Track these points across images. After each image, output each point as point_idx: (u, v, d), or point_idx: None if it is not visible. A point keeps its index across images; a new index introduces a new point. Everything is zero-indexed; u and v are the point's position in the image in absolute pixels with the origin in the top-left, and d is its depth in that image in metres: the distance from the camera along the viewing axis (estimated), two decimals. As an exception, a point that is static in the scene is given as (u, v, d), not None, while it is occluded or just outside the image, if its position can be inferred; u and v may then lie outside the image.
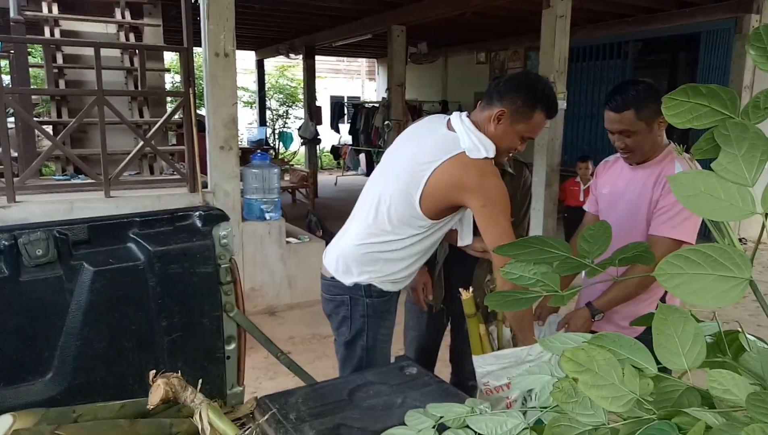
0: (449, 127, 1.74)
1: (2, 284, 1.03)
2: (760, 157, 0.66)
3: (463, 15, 7.00)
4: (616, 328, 1.86)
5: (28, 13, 6.02)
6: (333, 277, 1.84)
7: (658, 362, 0.71)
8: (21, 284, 1.04)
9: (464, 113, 1.77)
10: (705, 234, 0.82)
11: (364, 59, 17.35)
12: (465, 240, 1.94)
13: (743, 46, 5.84)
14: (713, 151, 0.70)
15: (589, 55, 8.41)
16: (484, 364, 1.85)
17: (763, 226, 0.64)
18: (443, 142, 1.69)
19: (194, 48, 4.81)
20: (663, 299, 1.85)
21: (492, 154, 1.68)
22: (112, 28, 6.46)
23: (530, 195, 2.30)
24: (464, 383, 2.39)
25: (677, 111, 0.72)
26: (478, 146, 1.65)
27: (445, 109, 11.03)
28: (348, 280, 1.81)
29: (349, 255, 1.82)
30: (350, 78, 18.89)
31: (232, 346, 1.25)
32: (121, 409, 0.96)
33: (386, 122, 9.26)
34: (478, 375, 1.86)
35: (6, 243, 1.03)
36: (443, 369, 2.49)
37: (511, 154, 2.04)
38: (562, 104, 5.32)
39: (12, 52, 5.96)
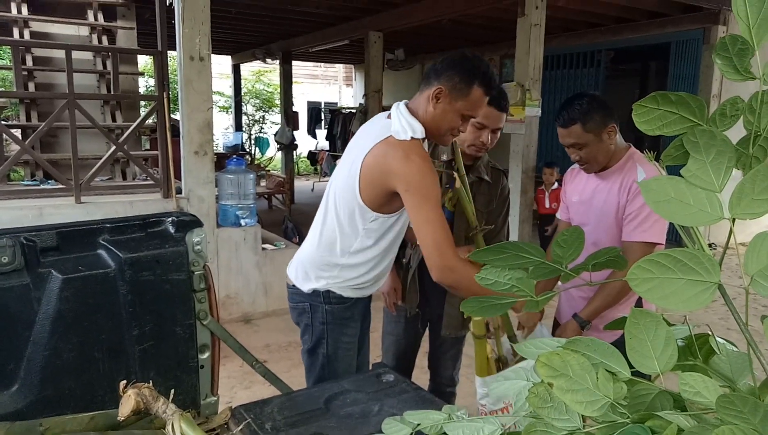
0: (389, 117, 1.72)
1: (-34, 293, 0.99)
2: (727, 163, 0.67)
3: (440, 22, 7.05)
4: (597, 333, 1.89)
5: (-4, 14, 5.89)
6: (294, 285, 1.83)
7: (631, 366, 0.72)
8: (-15, 293, 1.00)
9: (403, 102, 1.74)
10: (675, 239, 0.83)
11: (341, 65, 17.36)
12: None
13: (711, 56, 6.00)
14: (682, 158, 0.71)
15: (564, 64, 8.55)
16: (486, 386, 1.88)
17: (731, 231, 0.66)
18: (378, 130, 1.69)
19: (169, 51, 4.76)
20: (639, 304, 1.89)
21: (419, 135, 1.64)
22: (84, 31, 6.36)
23: (508, 202, 2.30)
24: (442, 389, 2.41)
25: (647, 118, 0.73)
26: (405, 128, 1.63)
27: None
28: (306, 287, 1.79)
29: (307, 261, 1.81)
30: (327, 83, 18.87)
31: (206, 354, 1.23)
32: (91, 421, 0.94)
33: (363, 128, 9.25)
34: (478, 395, 1.89)
35: (-30, 250, 0.99)
36: (421, 376, 2.49)
37: (484, 145, 2.08)
38: (536, 111, 5.39)
39: (-21, 54, 5.81)
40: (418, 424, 0.89)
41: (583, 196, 2.05)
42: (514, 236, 5.72)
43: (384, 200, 1.67)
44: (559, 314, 2.16)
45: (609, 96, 8.39)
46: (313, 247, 1.79)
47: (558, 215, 2.25)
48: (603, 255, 0.92)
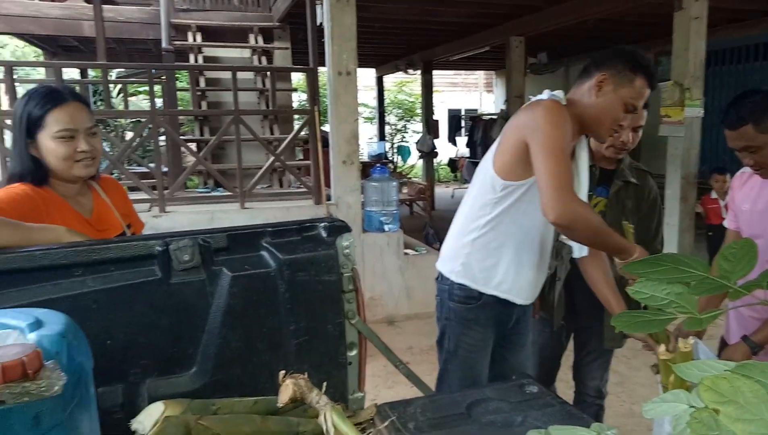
0: None
1: (156, 285, 1.15)
2: None
3: (585, 22, 6.71)
4: None
5: (176, 42, 6.72)
6: (438, 273, 1.87)
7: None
8: (171, 286, 1.15)
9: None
10: None
11: (481, 72, 17.22)
12: (580, 250, 1.86)
13: None
14: None
15: (730, 58, 7.70)
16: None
17: None
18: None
19: (319, 68, 5.08)
20: None
21: (562, 97, 1.64)
22: (246, 53, 7.01)
23: (660, 208, 2.16)
24: (588, 401, 2.32)
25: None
26: (548, 94, 1.64)
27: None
28: (443, 267, 1.82)
29: (448, 242, 1.84)
30: (468, 91, 18.84)
31: (354, 352, 1.29)
32: (254, 405, 1.04)
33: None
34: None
35: (159, 248, 1.15)
36: (566, 391, 2.39)
37: (624, 145, 2.00)
38: (698, 111, 4.91)
39: (163, 78, 6.67)
40: (565, 439, 0.87)
41: (757, 205, 1.83)
42: (672, 247, 5.25)
43: (515, 164, 1.62)
44: (728, 335, 1.95)
45: (789, 92, 7.41)
46: (451, 232, 1.83)
47: (725, 224, 2.03)
48: (781, 271, 0.82)
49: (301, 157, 7.56)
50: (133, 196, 4.42)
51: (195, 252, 1.19)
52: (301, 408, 1.04)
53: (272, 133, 6.47)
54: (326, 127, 5.26)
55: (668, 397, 0.91)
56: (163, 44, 6.53)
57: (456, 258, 1.77)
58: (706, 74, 5.28)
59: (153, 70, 5.26)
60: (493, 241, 1.71)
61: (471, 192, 1.79)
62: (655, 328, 0.91)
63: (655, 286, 0.90)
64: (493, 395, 1.19)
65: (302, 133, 5.03)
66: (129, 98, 9.14)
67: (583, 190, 1.73)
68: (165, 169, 5.65)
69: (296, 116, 8.09)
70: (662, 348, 1.75)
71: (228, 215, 4.31)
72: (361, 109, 14.02)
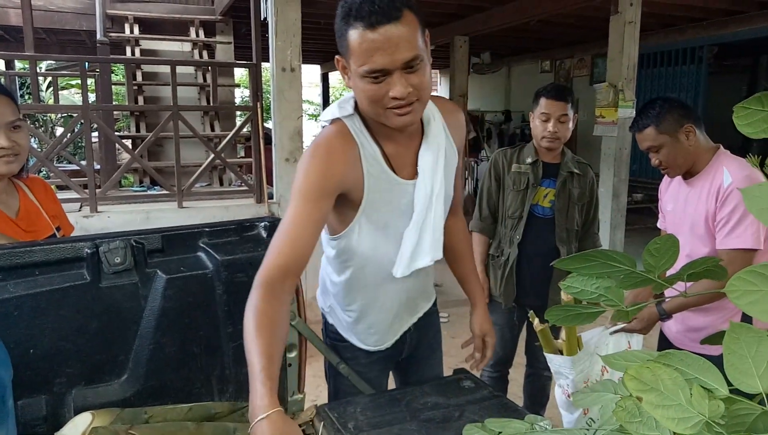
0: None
1: (85, 289, 1.10)
2: (843, 168, 0.62)
3: (527, 24, 6.90)
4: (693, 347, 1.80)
5: (112, 34, 6.45)
6: None
7: (729, 384, 0.68)
8: (101, 290, 1.11)
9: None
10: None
11: (426, 70, 17.39)
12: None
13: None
14: (791, 162, 0.66)
15: (661, 62, 8.08)
16: (553, 364, 2.05)
17: None
18: None
19: (262, 63, 4.99)
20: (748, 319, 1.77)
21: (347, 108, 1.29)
22: (187, 47, 6.81)
23: (597, 195, 2.44)
24: (540, 373, 2.54)
25: (751, 120, 0.68)
26: (337, 110, 1.30)
27: (508, 119, 10.87)
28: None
29: None
30: (413, 89, 18.98)
31: (294, 353, 1.28)
32: (189, 411, 1.01)
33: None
34: (563, 376, 2.06)
35: (89, 251, 1.10)
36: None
37: (553, 136, 2.20)
38: (630, 112, 5.13)
39: (97, 71, 6.39)
40: (500, 432, 0.89)
41: (676, 205, 1.96)
42: (605, 242, 5.47)
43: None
44: (664, 326, 2.05)
45: (712, 94, 7.85)
46: None
47: (658, 224, 2.16)
48: (700, 265, 0.87)
49: (243, 155, 7.42)
50: (62, 195, 4.23)
51: (127, 254, 1.14)
52: (239, 412, 1.02)
53: (213, 130, 6.32)
54: (269, 124, 5.18)
55: (597, 386, 0.94)
56: (98, 36, 6.25)
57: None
58: (639, 76, 5.53)
59: (86, 63, 5.02)
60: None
61: None
62: (584, 320, 0.94)
63: (585, 281, 0.93)
64: (431, 392, 1.21)
65: (244, 129, 4.93)
66: (60, 92, 8.70)
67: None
68: (97, 167, 5.42)
69: (239, 113, 7.95)
70: (536, 321, 2.00)
71: (165, 215, 4.18)
72: (305, 106, 13.89)
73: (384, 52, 1.10)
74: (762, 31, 6.68)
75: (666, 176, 2.07)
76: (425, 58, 1.17)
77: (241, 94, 13.55)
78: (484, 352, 1.59)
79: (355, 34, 1.11)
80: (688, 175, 1.90)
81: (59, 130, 8.29)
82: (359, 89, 1.18)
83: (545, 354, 2.08)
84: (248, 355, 0.95)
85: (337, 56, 1.23)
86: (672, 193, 2.01)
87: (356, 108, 1.28)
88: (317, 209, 1.17)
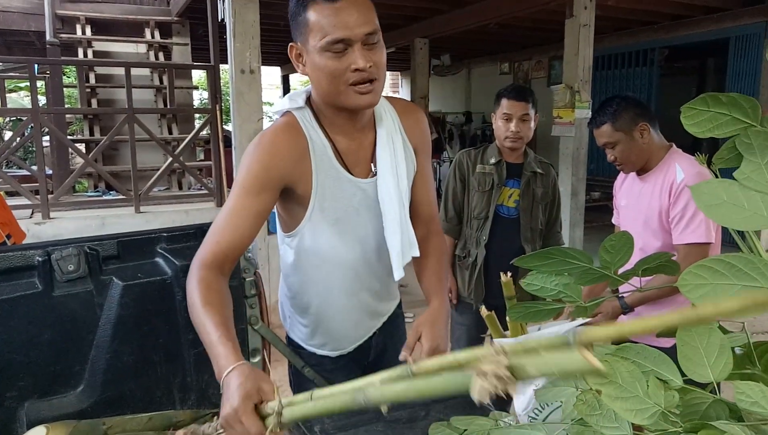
0: None
1: (36, 299, 1.06)
2: (784, 164, 0.64)
3: (487, 26, 7.00)
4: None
5: (63, 35, 6.25)
6: None
7: (684, 374, 0.70)
8: (54, 299, 1.07)
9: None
10: (731, 241, 0.80)
11: (388, 72, 17.48)
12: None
13: (774, 50, 5.71)
14: (736, 160, 0.69)
15: (615, 63, 8.32)
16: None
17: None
18: None
19: (221, 65, 4.92)
20: None
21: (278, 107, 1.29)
22: (142, 48, 6.65)
23: (559, 194, 2.49)
24: None
25: (697, 120, 0.71)
26: (288, 102, 1.28)
27: (468, 120, 11.01)
28: None
29: None
30: (374, 91, 19.03)
31: (257, 358, 1.27)
32: (149, 421, 0.98)
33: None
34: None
35: (40, 259, 1.06)
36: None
37: (515, 135, 2.23)
38: (586, 113, 5.26)
39: (48, 73, 6.18)
40: (465, 430, 0.89)
41: (630, 200, 2.03)
42: (565, 240, 5.59)
43: None
44: (621, 320, 2.11)
45: (664, 95, 8.12)
46: None
47: (613, 221, 2.22)
48: (654, 260, 0.90)
49: (203, 158, 7.29)
50: (12, 201, 4.07)
51: (81, 261, 1.11)
52: (201, 420, 1.00)
53: (171, 133, 6.18)
54: (229, 127, 5.10)
55: (558, 381, 0.96)
56: (48, 37, 6.04)
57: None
58: (594, 78, 5.67)
59: (36, 65, 4.85)
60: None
61: None
62: (545, 317, 0.96)
63: (545, 278, 0.95)
64: (398, 392, 1.21)
65: (203, 132, 4.85)
66: (8, 95, 8.37)
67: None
68: (49, 172, 5.24)
69: (197, 115, 7.81)
70: (483, 308, 1.94)
71: (121, 220, 4.07)
72: (265, 108, 13.74)
73: (346, 21, 1.10)
74: (709, 34, 6.96)
75: (621, 173, 2.13)
76: (381, 40, 1.18)
77: (200, 97, 13.32)
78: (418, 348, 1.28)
79: (316, 8, 1.11)
80: (642, 171, 1.97)
81: (8, 135, 7.98)
82: (318, 68, 1.14)
83: (494, 340, 2.09)
84: (201, 329, 0.92)
85: (291, 44, 1.20)
86: (626, 189, 2.08)
87: (308, 102, 1.26)
88: (259, 202, 1.14)
